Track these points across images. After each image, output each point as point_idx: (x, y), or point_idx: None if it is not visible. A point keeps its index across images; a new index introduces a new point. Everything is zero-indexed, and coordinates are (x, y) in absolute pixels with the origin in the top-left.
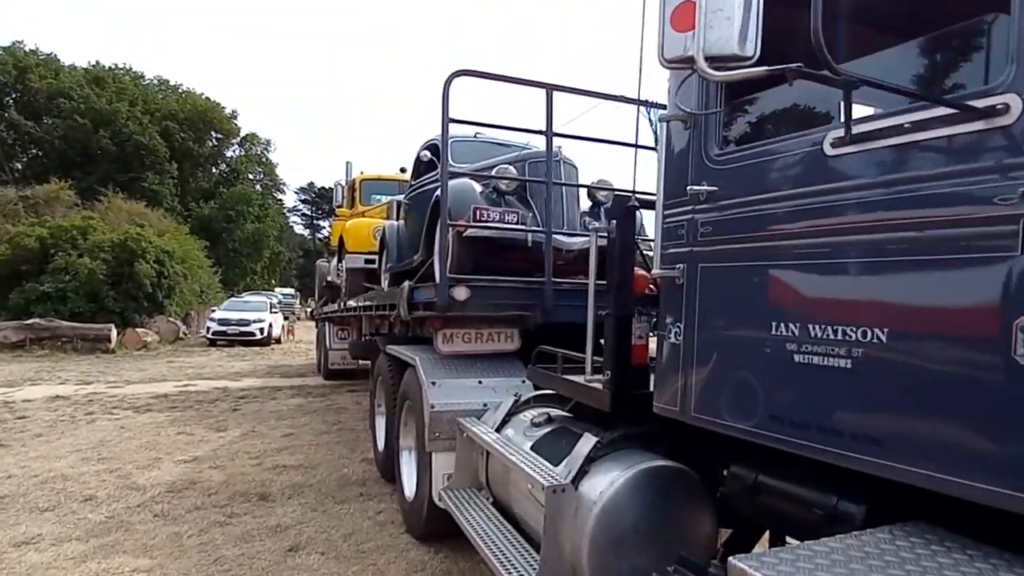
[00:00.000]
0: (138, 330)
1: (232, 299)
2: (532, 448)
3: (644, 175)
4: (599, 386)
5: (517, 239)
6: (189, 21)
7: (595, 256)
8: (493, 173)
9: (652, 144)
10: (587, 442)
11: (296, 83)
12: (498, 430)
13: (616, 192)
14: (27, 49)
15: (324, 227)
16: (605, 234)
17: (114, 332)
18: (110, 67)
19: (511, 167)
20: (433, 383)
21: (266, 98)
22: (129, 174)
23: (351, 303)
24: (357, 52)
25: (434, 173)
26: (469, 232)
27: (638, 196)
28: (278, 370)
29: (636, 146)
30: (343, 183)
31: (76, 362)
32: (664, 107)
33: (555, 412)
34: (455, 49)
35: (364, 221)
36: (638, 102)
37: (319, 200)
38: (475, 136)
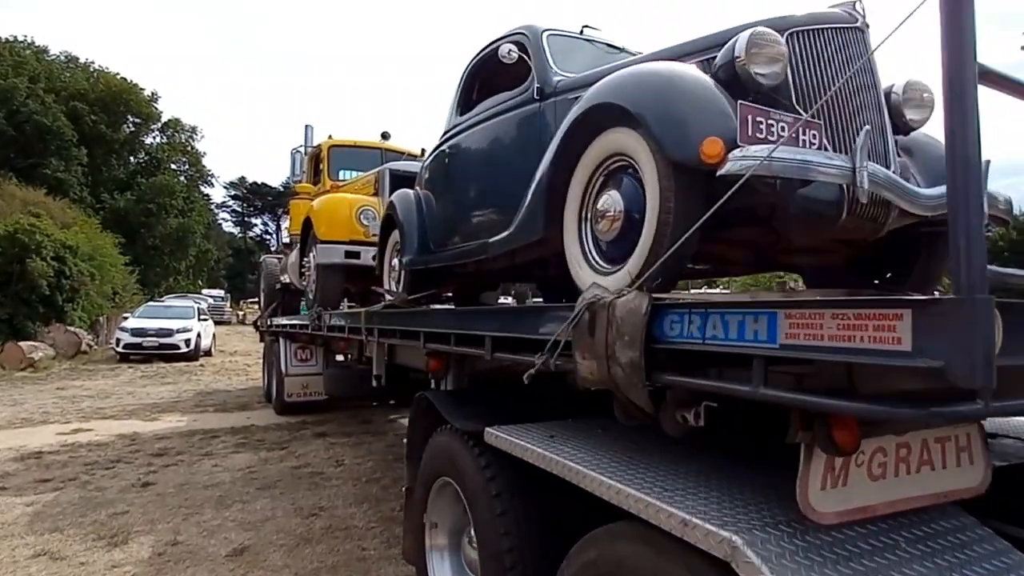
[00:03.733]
0: (22, 344)
1: (150, 304)
2: None
3: None
4: None
5: (831, 189)
6: None
7: None
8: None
9: None
10: None
11: (228, 69)
12: None
13: None
14: None
15: (256, 224)
16: None
17: None
18: (7, 39)
19: (774, 33)
20: None
21: (192, 84)
22: (29, 159)
23: (338, 322)
24: (307, 43)
25: (524, 86)
26: (732, 166)
27: None
28: (211, 399)
29: None
30: (302, 150)
31: None
32: None
33: None
34: (422, 41)
35: (341, 198)
36: None
37: (251, 196)
38: (581, 32)
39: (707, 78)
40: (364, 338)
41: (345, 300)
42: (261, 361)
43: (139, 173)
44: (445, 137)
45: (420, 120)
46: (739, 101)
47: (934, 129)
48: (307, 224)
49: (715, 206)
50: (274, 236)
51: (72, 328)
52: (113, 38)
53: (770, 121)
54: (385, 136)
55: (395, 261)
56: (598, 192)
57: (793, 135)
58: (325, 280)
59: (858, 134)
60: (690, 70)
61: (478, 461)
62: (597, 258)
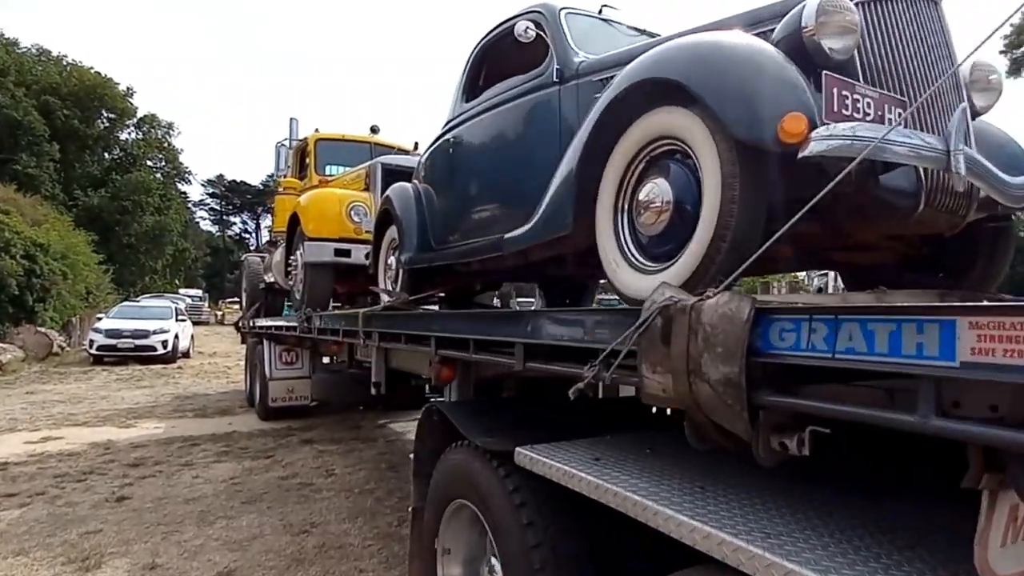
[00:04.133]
0: None
1: (125, 303)
2: None
3: None
4: None
5: (909, 177)
6: None
7: None
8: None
9: None
10: None
11: (206, 65)
12: None
13: None
14: None
15: (235, 223)
16: None
17: None
18: None
19: (845, 0)
20: None
21: (173, 80)
22: None
23: (330, 324)
24: (280, 46)
25: (541, 68)
26: (817, 147)
27: None
28: (190, 403)
29: None
30: (287, 143)
31: None
32: None
33: None
34: (421, 41)
35: (331, 193)
36: None
37: (230, 194)
38: (600, 12)
39: (772, 48)
40: (362, 342)
41: (331, 301)
42: (243, 363)
43: (114, 169)
44: (449, 126)
45: (420, 120)
46: (823, 72)
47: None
48: (294, 220)
49: (824, 190)
50: (253, 235)
51: (43, 329)
52: (90, 33)
53: (855, 96)
54: (374, 130)
55: (392, 259)
56: (638, 181)
57: (879, 113)
58: (313, 279)
59: (938, 115)
60: (751, 40)
61: (505, 484)
62: (637, 255)
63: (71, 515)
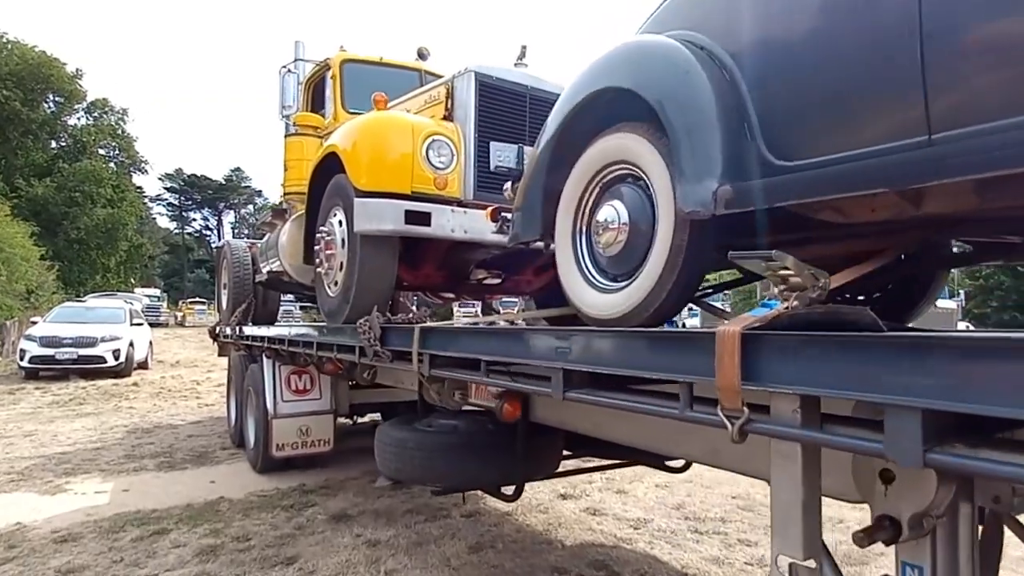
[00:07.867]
0: None
1: (66, 304)
2: None
3: None
4: None
5: None
6: None
7: None
8: None
9: None
10: None
11: (164, 53)
12: None
13: None
14: None
15: (195, 219)
16: None
17: None
18: None
19: None
20: None
21: (121, 65)
22: None
23: (456, 343)
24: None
25: None
26: None
27: None
28: (149, 441)
29: None
30: (294, 69)
31: None
32: None
33: None
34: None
35: (397, 119)
36: None
37: (189, 189)
38: None
39: None
40: (733, 431)
41: (391, 299)
42: (223, 382)
43: (61, 157)
44: None
45: None
46: None
47: None
48: (326, 170)
49: None
50: (215, 232)
51: None
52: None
53: None
54: (422, 55)
55: (615, 207)
56: None
57: None
58: (366, 262)
59: None
60: None
61: None
62: None
63: None
